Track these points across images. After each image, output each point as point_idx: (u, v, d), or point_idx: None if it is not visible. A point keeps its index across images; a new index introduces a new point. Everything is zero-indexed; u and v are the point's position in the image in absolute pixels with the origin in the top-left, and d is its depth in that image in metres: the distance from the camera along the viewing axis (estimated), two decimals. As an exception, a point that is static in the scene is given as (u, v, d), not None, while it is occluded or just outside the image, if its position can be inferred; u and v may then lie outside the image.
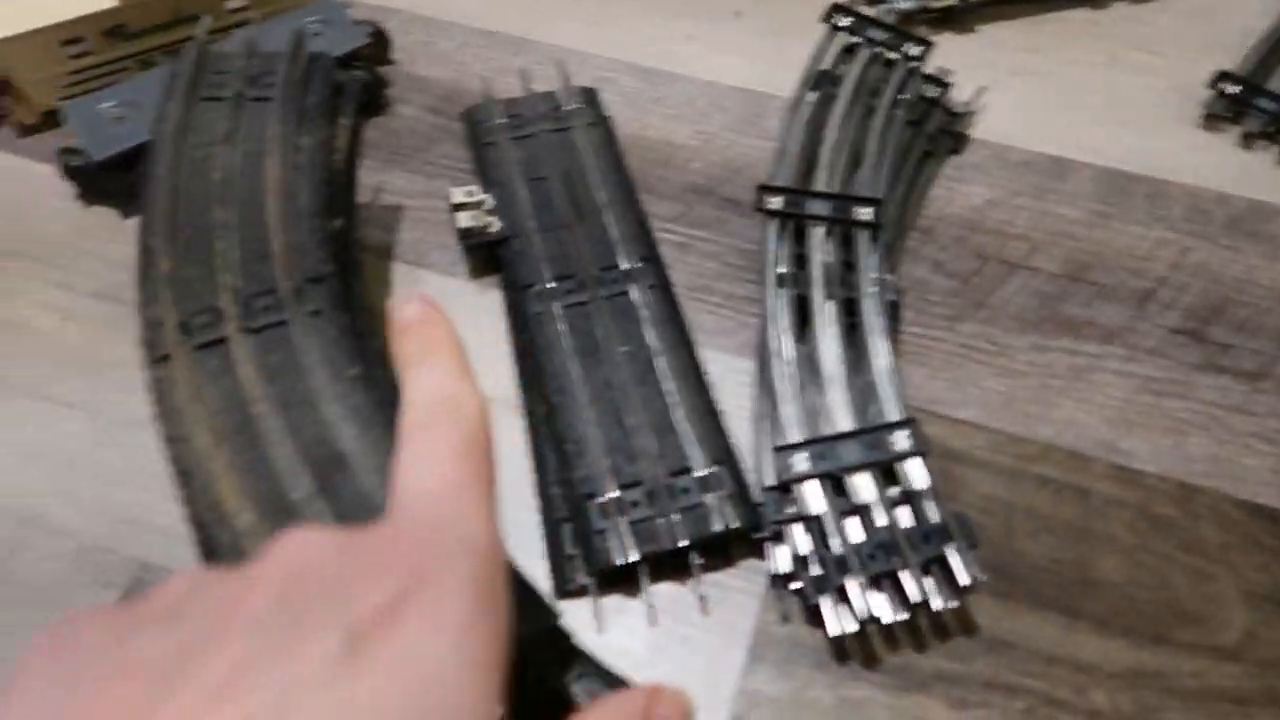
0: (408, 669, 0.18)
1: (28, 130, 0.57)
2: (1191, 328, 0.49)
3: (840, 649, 0.40)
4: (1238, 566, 0.42)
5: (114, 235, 0.53)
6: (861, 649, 0.40)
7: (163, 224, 0.40)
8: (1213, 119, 0.57)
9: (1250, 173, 0.55)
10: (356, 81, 0.48)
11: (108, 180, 0.53)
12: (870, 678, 0.39)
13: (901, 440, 0.40)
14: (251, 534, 0.32)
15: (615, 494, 0.41)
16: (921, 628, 0.40)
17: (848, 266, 0.47)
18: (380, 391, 0.36)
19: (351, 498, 0.33)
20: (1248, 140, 0.56)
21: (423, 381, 0.25)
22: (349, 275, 0.44)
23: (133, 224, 0.53)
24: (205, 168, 0.43)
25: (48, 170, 0.55)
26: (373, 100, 0.58)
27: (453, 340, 0.26)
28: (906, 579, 0.38)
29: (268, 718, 0.17)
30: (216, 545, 0.32)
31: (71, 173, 0.53)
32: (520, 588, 0.35)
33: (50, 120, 0.57)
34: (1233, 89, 0.56)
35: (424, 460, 0.23)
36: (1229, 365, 0.47)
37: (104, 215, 0.53)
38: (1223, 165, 0.55)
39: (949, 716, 0.38)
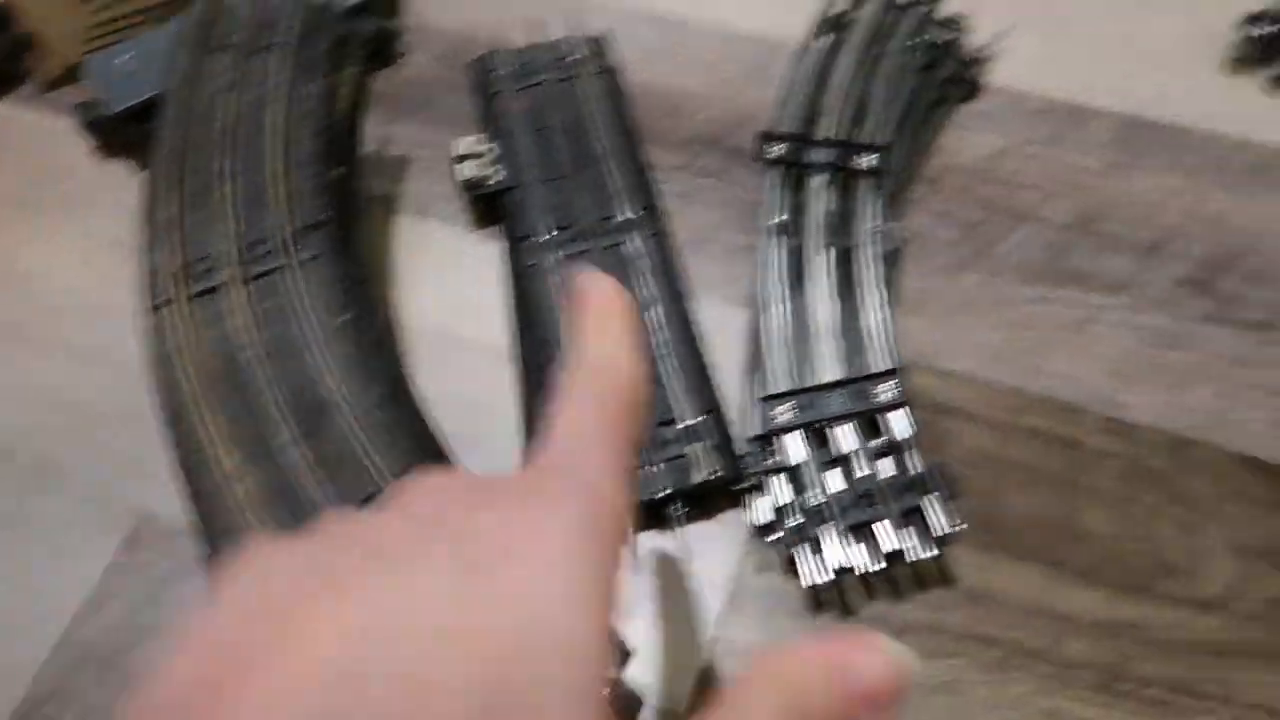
0: (520, 585, 0.19)
1: (51, 85, 0.59)
2: (1201, 278, 0.48)
3: (816, 599, 0.40)
4: (1228, 519, 0.41)
5: (130, 186, 0.54)
6: (838, 599, 0.40)
7: (167, 172, 0.41)
8: (1239, 62, 0.55)
9: (1275, 118, 0.53)
10: (362, 31, 0.49)
11: (125, 132, 0.54)
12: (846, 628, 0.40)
13: (885, 391, 0.40)
14: (236, 478, 0.33)
15: (602, 441, 0.42)
16: (900, 579, 0.40)
17: (847, 216, 0.47)
18: (369, 338, 0.37)
19: (333, 444, 0.34)
20: (1276, 83, 0.54)
21: (594, 347, 0.26)
22: (349, 223, 0.45)
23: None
24: (211, 117, 0.44)
25: (69, 124, 0.56)
26: (383, 51, 0.59)
27: (628, 316, 0.27)
28: (881, 529, 0.38)
29: (393, 604, 0.18)
30: (201, 489, 0.34)
31: (90, 126, 0.54)
32: None
33: (72, 75, 0.59)
34: (1262, 30, 0.54)
35: (575, 409, 0.24)
36: (1236, 316, 0.46)
37: (121, 167, 0.55)
38: (1247, 111, 0.53)
39: (921, 665, 0.39)
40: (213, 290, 0.38)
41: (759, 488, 0.41)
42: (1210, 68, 0.55)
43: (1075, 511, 0.42)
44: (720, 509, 0.42)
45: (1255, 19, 0.54)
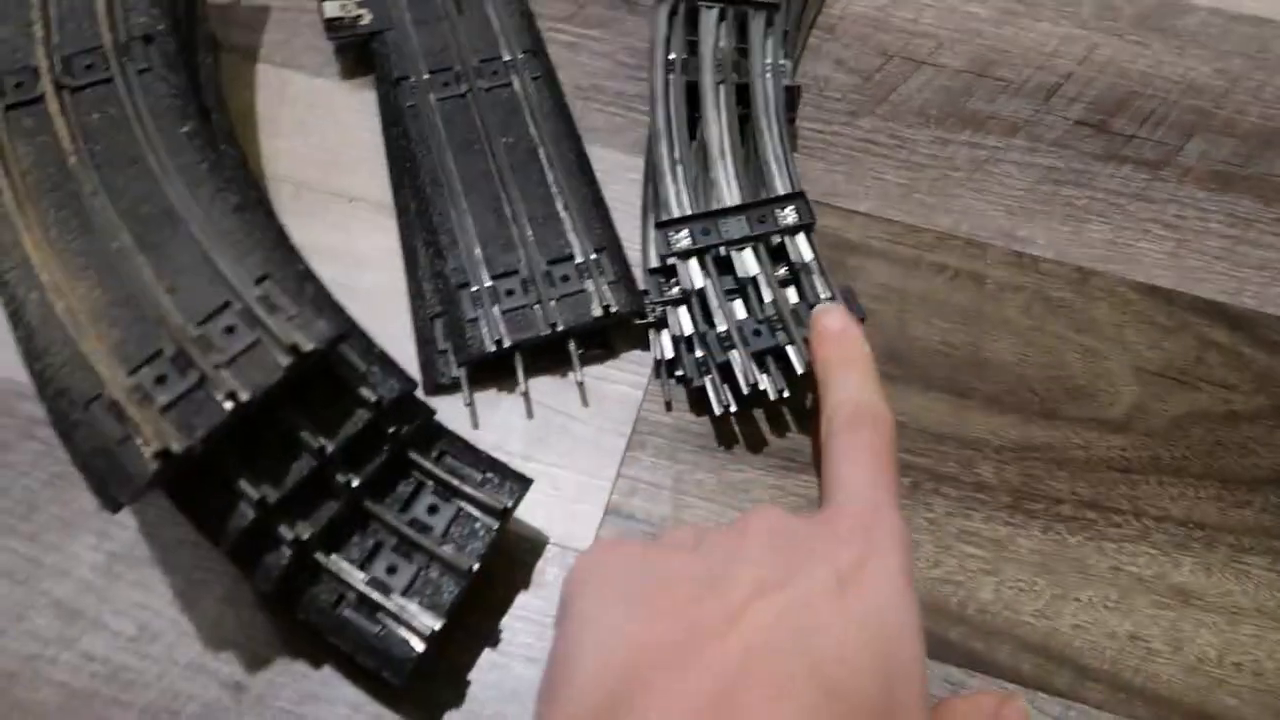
0: (877, 602, 0.24)
1: None
2: (1096, 120, 0.47)
3: (724, 432, 0.38)
4: (1130, 344, 0.41)
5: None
6: (746, 433, 0.38)
7: (-28, -16, 0.36)
8: (1126, -83, 0.55)
9: (1162, -30, 0.53)
10: None
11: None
12: (755, 460, 0.38)
13: (788, 214, 0.38)
14: (56, 290, 0.29)
15: (489, 283, 0.39)
16: (808, 410, 0.39)
17: (742, 54, 0.45)
18: (213, 152, 0.33)
19: (179, 253, 0.30)
20: (1161, -64, 0.54)
21: (846, 387, 0.32)
22: (191, 34, 0.40)
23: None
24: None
25: None
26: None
27: (868, 354, 0.33)
28: (793, 351, 0.36)
29: (791, 614, 0.24)
30: (21, 308, 0.29)
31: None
32: (382, 361, 0.33)
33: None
34: (1147, -115, 0.54)
35: (855, 457, 0.29)
36: (1131, 155, 0.46)
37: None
38: (1135, -37, 0.53)
39: (835, 493, 0.37)
40: (29, 103, 0.33)
41: (662, 324, 0.39)
42: (1097, -76, 0.55)
43: (982, 342, 0.41)
44: (622, 348, 0.40)
45: (1139, -126, 0.54)
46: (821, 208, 0.44)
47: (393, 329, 0.40)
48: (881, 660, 0.23)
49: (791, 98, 0.45)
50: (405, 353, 0.40)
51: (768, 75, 0.43)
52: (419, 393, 0.35)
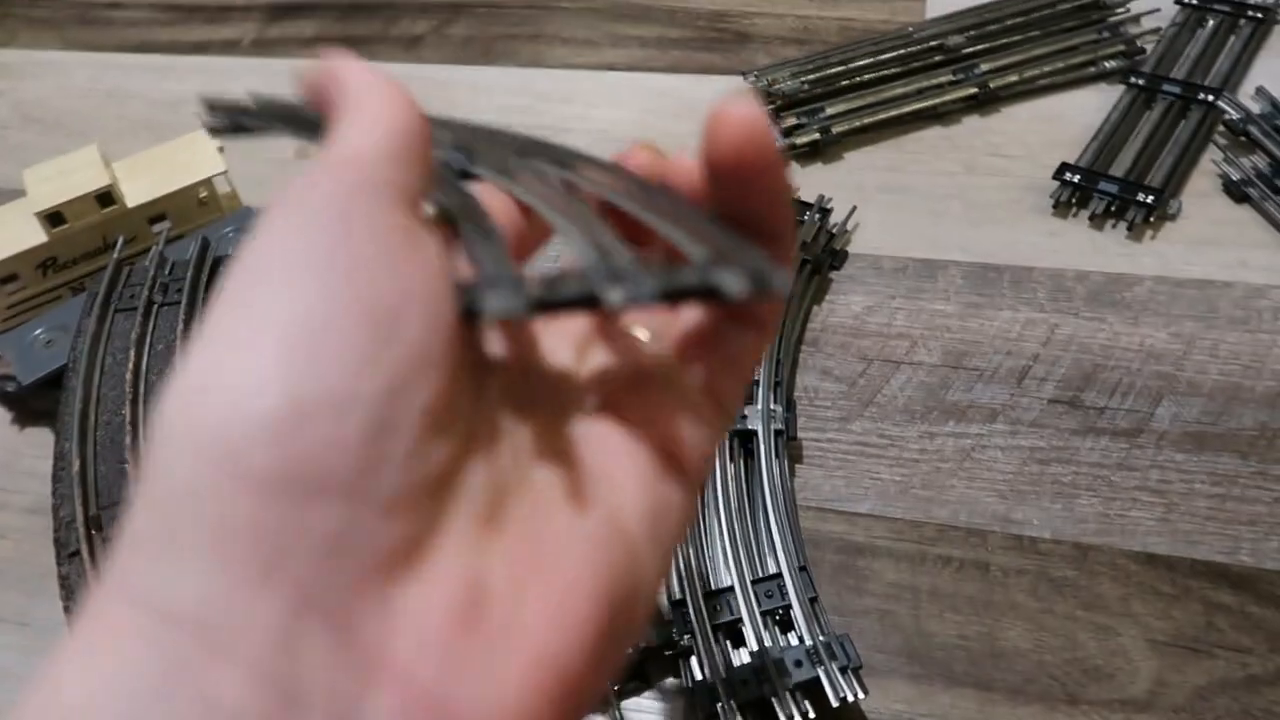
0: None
1: (-33, 365, 0.61)
2: (1068, 396, 0.51)
3: (763, 754, 0.40)
4: (1139, 617, 0.43)
5: (46, 453, 0.55)
6: (783, 751, 0.40)
7: (75, 428, 0.43)
8: (1062, 207, 0.61)
9: (1103, 249, 0.59)
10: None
11: (40, 402, 0.56)
12: (797, 779, 0.39)
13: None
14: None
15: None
16: (842, 721, 0.41)
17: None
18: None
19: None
20: (1095, 220, 0.60)
21: None
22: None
23: (65, 438, 0.56)
24: (118, 372, 0.46)
25: (-14, 399, 0.58)
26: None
27: None
28: (776, 704, 0.38)
29: None
30: None
31: (4, 398, 0.56)
32: None
33: (-11, 353, 0.61)
34: (1075, 177, 0.61)
35: None
36: (1107, 426, 0.50)
37: (37, 435, 0.56)
38: (1078, 246, 0.59)
39: (875, 807, 0.38)
40: (126, 532, 0.39)
41: (690, 650, 0.42)
42: (1039, 214, 0.62)
43: (996, 630, 0.43)
44: (655, 677, 0.43)
45: (1066, 167, 0.62)
46: (825, 513, 0.48)
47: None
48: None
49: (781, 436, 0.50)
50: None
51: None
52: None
